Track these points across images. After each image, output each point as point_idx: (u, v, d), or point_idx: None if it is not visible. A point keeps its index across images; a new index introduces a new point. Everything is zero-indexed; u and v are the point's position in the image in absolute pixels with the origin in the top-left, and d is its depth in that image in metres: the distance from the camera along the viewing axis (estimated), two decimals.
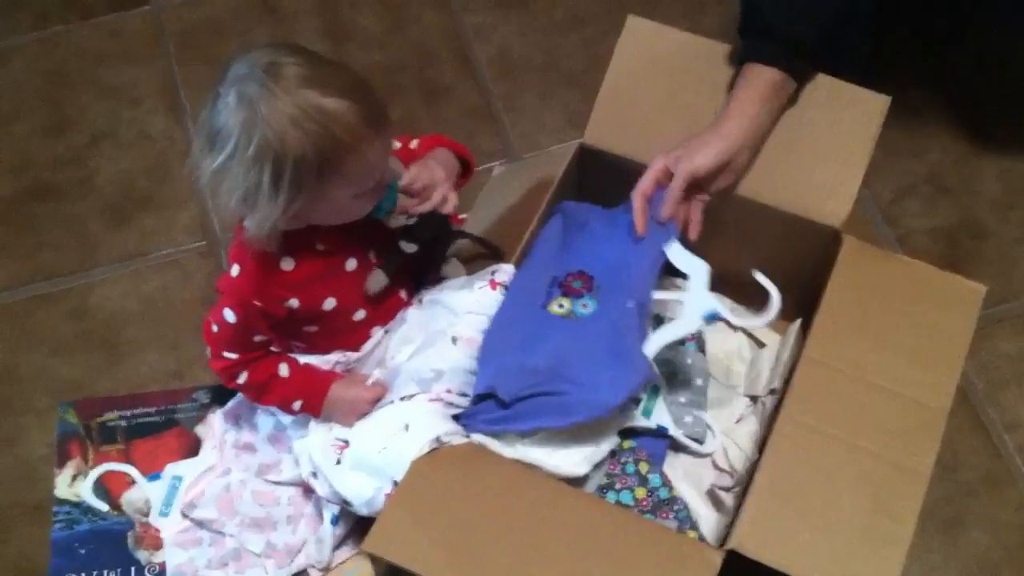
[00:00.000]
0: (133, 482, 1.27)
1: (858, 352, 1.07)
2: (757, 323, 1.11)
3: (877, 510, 0.96)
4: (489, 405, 1.05)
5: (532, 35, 1.66)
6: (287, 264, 1.07)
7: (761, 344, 1.29)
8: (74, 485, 1.28)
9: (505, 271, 1.15)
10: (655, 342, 1.09)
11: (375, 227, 1.11)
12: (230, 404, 1.27)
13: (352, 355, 1.18)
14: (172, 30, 1.66)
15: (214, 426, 1.28)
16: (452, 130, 1.56)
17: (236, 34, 1.65)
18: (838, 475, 0.99)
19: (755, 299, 1.31)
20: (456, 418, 1.07)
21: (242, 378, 1.12)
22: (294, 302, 1.08)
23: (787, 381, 1.16)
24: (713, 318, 1.09)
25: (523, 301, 1.13)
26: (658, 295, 1.13)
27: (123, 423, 1.32)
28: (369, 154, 0.97)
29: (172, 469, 1.26)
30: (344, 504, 1.13)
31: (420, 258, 1.17)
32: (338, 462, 1.11)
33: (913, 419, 1.02)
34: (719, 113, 1.12)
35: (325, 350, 1.18)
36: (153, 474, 1.27)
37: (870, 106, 1.18)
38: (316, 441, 1.14)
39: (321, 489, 1.14)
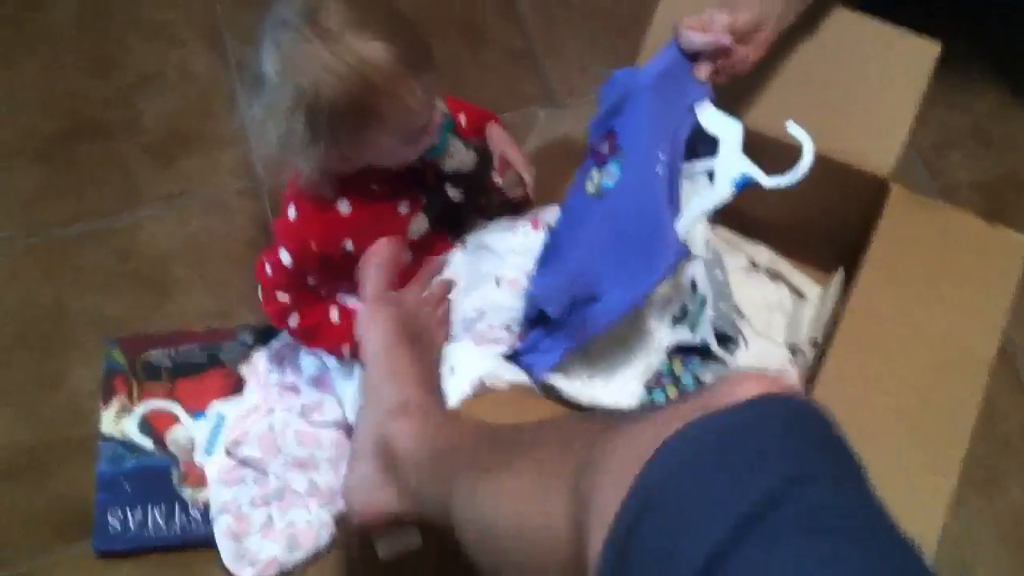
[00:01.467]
0: (178, 420, 1.29)
1: (903, 302, 1.07)
2: (791, 179, 1.02)
3: (920, 461, 0.97)
4: (538, 335, 1.04)
5: None
6: (343, 207, 1.07)
7: (802, 296, 1.29)
8: (119, 421, 1.30)
9: (549, 211, 1.15)
10: (688, 216, 1.03)
11: (426, 171, 1.12)
12: (275, 345, 1.29)
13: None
14: None
15: (258, 366, 1.29)
16: (493, 74, 1.56)
17: None
18: (881, 425, 0.99)
19: (804, 254, 1.31)
20: (512, 357, 1.07)
21: (293, 320, 1.13)
22: (349, 244, 1.09)
23: (829, 332, 1.16)
24: (745, 183, 1.01)
25: (572, 187, 1.09)
26: (686, 165, 1.06)
27: (168, 361, 1.34)
28: (407, 98, 0.97)
29: (217, 408, 1.28)
30: None
31: (463, 205, 1.17)
32: None
33: (957, 369, 1.02)
34: None
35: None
36: (198, 412, 1.29)
37: (919, 53, 1.17)
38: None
39: None
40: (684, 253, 1.02)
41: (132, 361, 1.34)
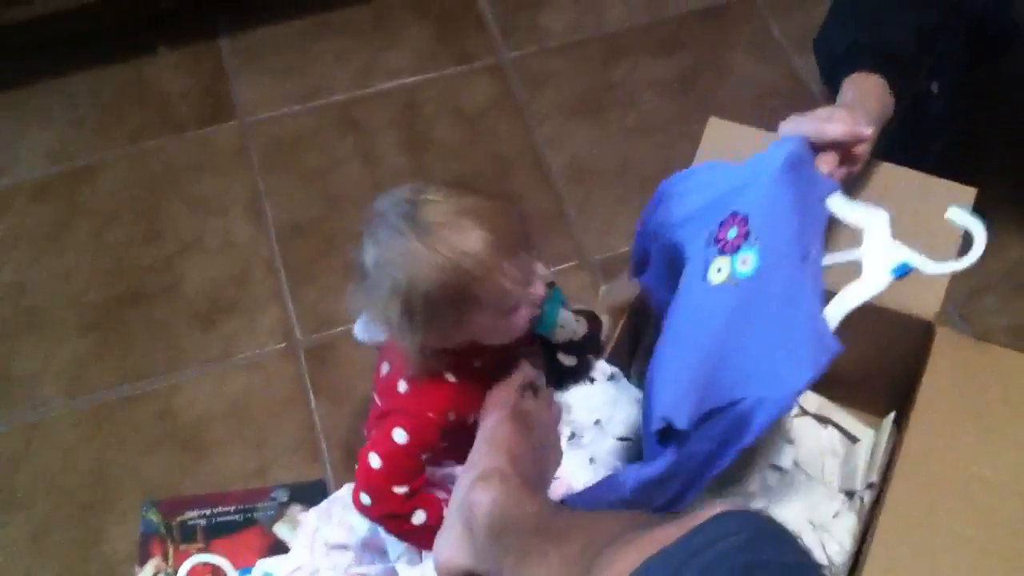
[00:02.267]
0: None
1: (958, 442, 1.04)
2: (963, 264, 0.95)
3: None
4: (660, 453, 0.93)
5: (604, 142, 1.71)
6: (450, 377, 1.08)
7: (854, 439, 1.27)
8: None
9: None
10: (837, 308, 0.94)
11: (526, 344, 1.13)
12: (323, 503, 1.27)
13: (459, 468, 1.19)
14: (257, 144, 1.73)
15: (306, 524, 1.28)
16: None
17: (318, 147, 1.72)
18: (945, 569, 0.96)
19: (853, 400, 1.30)
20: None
21: (418, 518, 1.09)
22: (452, 415, 1.08)
23: (884, 475, 1.14)
24: (905, 271, 0.95)
25: (685, 281, 1.00)
26: (829, 258, 0.96)
27: (203, 522, 1.34)
28: (501, 280, 0.97)
29: (263, 565, 1.26)
30: None
31: (576, 370, 1.20)
32: None
33: (1020, 510, 0.99)
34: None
35: (443, 459, 1.17)
36: (241, 569, 1.28)
37: (956, 197, 1.18)
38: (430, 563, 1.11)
39: None
40: (838, 350, 0.91)
41: (168, 522, 1.34)
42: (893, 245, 0.96)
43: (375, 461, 1.07)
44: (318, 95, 1.78)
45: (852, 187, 1.16)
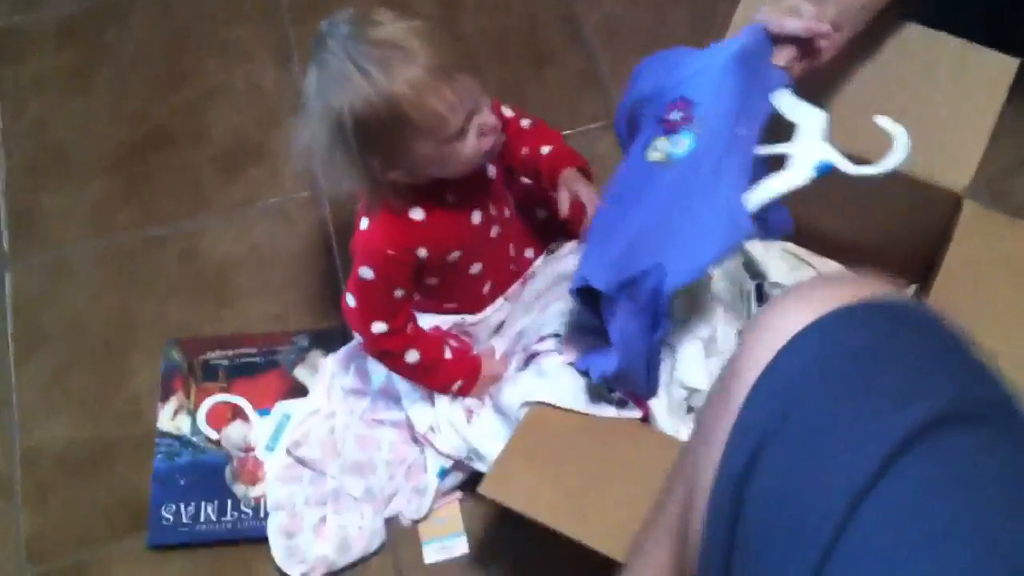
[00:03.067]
0: (234, 419, 1.30)
1: (980, 318, 1.02)
2: (881, 168, 0.97)
3: None
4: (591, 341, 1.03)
5: (640, 3, 1.66)
6: (416, 214, 1.08)
7: None
8: (176, 419, 1.31)
9: None
10: (759, 195, 0.97)
11: (495, 181, 1.14)
12: (342, 350, 1.29)
13: (470, 318, 1.21)
14: None
15: (324, 370, 1.30)
16: (558, 93, 1.57)
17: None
18: None
19: (876, 271, 1.28)
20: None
21: (412, 356, 1.13)
22: (423, 251, 1.09)
23: None
24: (827, 169, 0.97)
25: (629, 156, 1.04)
26: (761, 149, 0.99)
27: (225, 362, 1.35)
28: (435, 104, 0.96)
29: (282, 407, 1.29)
30: (468, 459, 1.18)
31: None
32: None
33: None
34: None
35: (440, 304, 1.19)
36: (261, 410, 1.31)
37: (996, 68, 1.13)
38: (442, 407, 1.19)
39: (444, 444, 1.18)
40: (751, 231, 0.96)
41: (191, 361, 1.35)
42: (821, 144, 0.97)
43: (350, 300, 1.10)
44: None
45: (889, 55, 1.14)
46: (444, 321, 1.21)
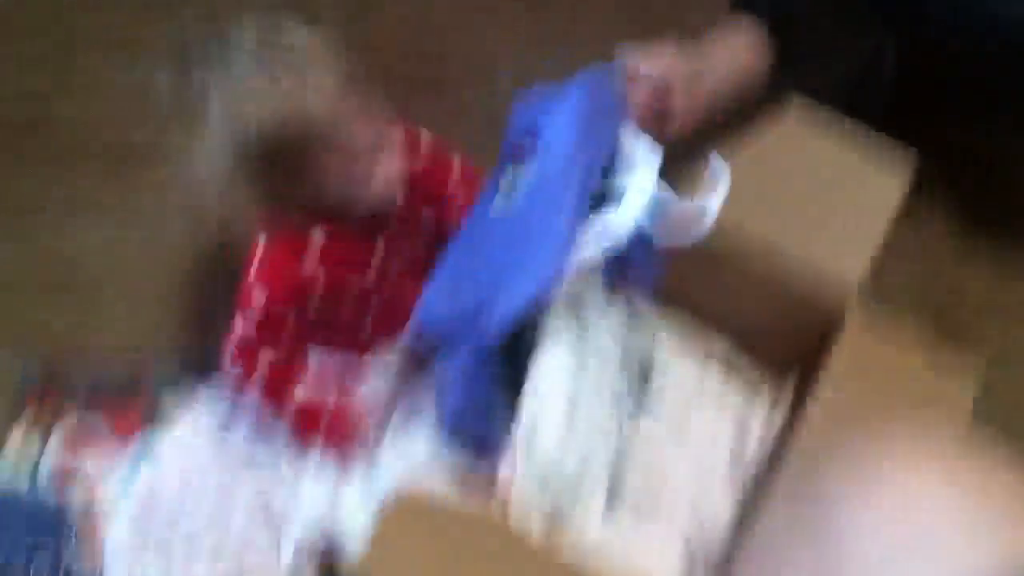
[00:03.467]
0: (92, 443, 1.22)
1: (863, 418, 1.06)
2: (704, 203, 1.02)
3: None
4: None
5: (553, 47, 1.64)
6: (317, 238, 1.05)
7: (754, 396, 1.29)
8: (24, 439, 1.23)
9: None
10: (592, 226, 1.00)
11: (405, 212, 1.11)
12: (215, 381, 1.22)
13: (361, 358, 1.17)
14: None
15: (193, 400, 1.24)
16: (452, 122, 1.54)
17: None
18: None
19: (759, 353, 1.32)
20: None
21: (288, 393, 1.09)
22: (320, 277, 1.06)
23: (780, 438, 1.16)
24: (655, 206, 1.01)
25: (484, 191, 1.07)
26: (599, 183, 1.03)
27: (88, 380, 1.28)
28: (347, 115, 0.96)
29: (143, 436, 1.22)
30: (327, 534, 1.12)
31: None
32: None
33: None
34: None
35: (329, 341, 1.15)
36: (120, 436, 1.23)
37: (895, 164, 1.18)
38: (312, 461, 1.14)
39: (305, 509, 1.14)
40: (577, 265, 0.99)
41: (50, 375, 1.27)
42: (654, 181, 1.00)
43: (238, 322, 1.06)
44: None
45: (789, 142, 1.18)
46: (332, 359, 1.16)
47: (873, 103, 1.49)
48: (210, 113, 0.96)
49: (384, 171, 1.02)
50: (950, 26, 1.47)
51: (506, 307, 0.96)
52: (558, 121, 1.02)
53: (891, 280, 1.49)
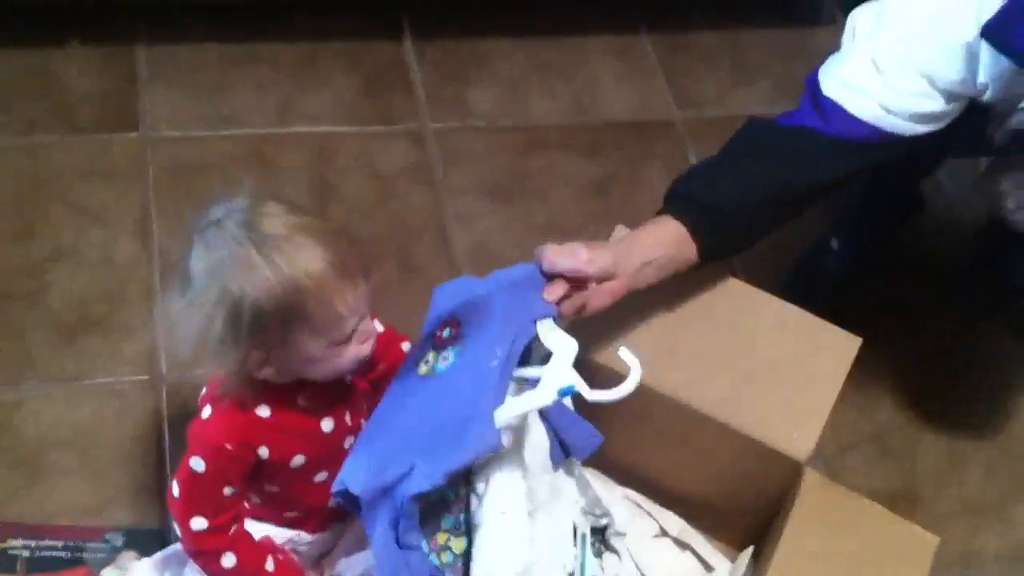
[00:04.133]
0: None
1: None
2: (614, 395, 1.04)
3: None
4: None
5: (511, 230, 1.70)
6: (263, 411, 1.03)
7: (710, 568, 1.27)
8: None
9: None
10: (507, 409, 1.03)
11: (356, 391, 1.11)
12: (158, 555, 1.18)
13: (306, 536, 1.14)
14: (157, 161, 1.65)
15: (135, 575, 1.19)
16: (422, 304, 1.56)
17: (221, 176, 1.64)
18: None
19: (714, 528, 1.32)
20: None
21: (228, 561, 1.04)
22: (264, 451, 1.03)
23: None
24: (568, 392, 1.04)
25: (403, 368, 1.10)
26: (516, 371, 1.07)
27: (25, 552, 1.23)
28: (336, 303, 0.96)
29: None
30: None
31: None
32: None
33: None
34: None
35: (280, 513, 1.13)
36: None
37: (841, 344, 1.23)
38: None
39: None
40: (496, 445, 1.01)
41: None
42: (568, 371, 1.04)
43: (175, 488, 1.03)
44: (230, 123, 1.72)
45: (734, 320, 1.23)
46: (278, 534, 1.13)
47: (820, 288, 1.56)
48: (195, 282, 0.95)
49: (351, 359, 1.03)
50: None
51: (423, 479, 0.97)
52: (481, 311, 1.07)
53: (845, 464, 1.52)
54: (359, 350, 1.02)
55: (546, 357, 1.06)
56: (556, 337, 1.06)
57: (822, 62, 1.19)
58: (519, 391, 1.07)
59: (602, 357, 1.18)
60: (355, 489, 0.97)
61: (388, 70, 1.85)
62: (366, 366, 1.13)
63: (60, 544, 1.24)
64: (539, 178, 1.77)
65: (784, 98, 1.88)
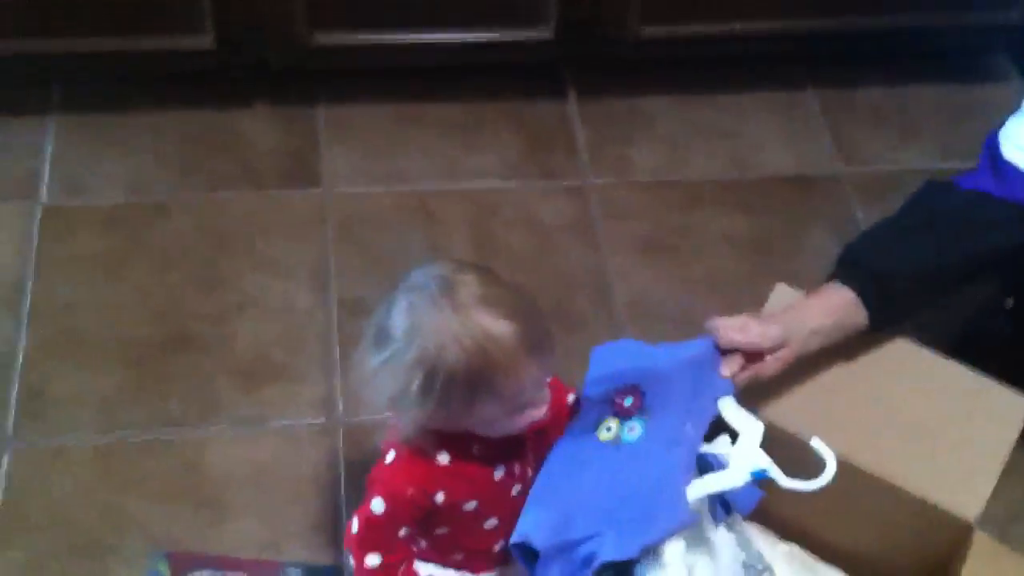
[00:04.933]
0: None
1: None
2: (809, 486, 1.06)
3: None
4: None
5: (671, 286, 1.71)
6: (442, 458, 1.08)
7: None
8: None
9: None
10: (698, 488, 1.05)
11: (528, 441, 1.14)
12: None
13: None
14: (334, 215, 1.74)
15: None
16: (581, 358, 1.58)
17: (393, 231, 1.72)
18: None
19: None
20: None
21: None
22: (441, 496, 1.07)
23: None
24: (761, 476, 1.06)
25: (577, 427, 1.13)
26: (704, 447, 1.10)
27: None
28: (523, 376, 0.99)
29: None
30: None
31: None
32: None
33: None
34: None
35: (447, 555, 1.16)
36: None
37: (1009, 404, 1.21)
38: None
39: None
40: (687, 522, 1.05)
41: None
42: (758, 452, 1.07)
43: (354, 524, 1.08)
44: (401, 180, 1.80)
45: (908, 383, 1.22)
46: (444, 574, 1.17)
47: (992, 350, 1.51)
48: (394, 340, 0.99)
49: (525, 423, 1.06)
50: None
51: (615, 550, 1.01)
52: (664, 387, 1.10)
53: (1018, 535, 1.46)
54: (533, 415, 1.05)
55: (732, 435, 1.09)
56: (741, 416, 1.10)
57: (999, 121, 1.18)
58: (701, 468, 1.09)
59: (768, 415, 1.17)
60: (537, 544, 1.02)
61: (551, 128, 1.91)
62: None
63: (243, 575, 1.30)
64: (699, 234, 1.78)
65: (954, 156, 1.86)
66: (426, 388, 0.98)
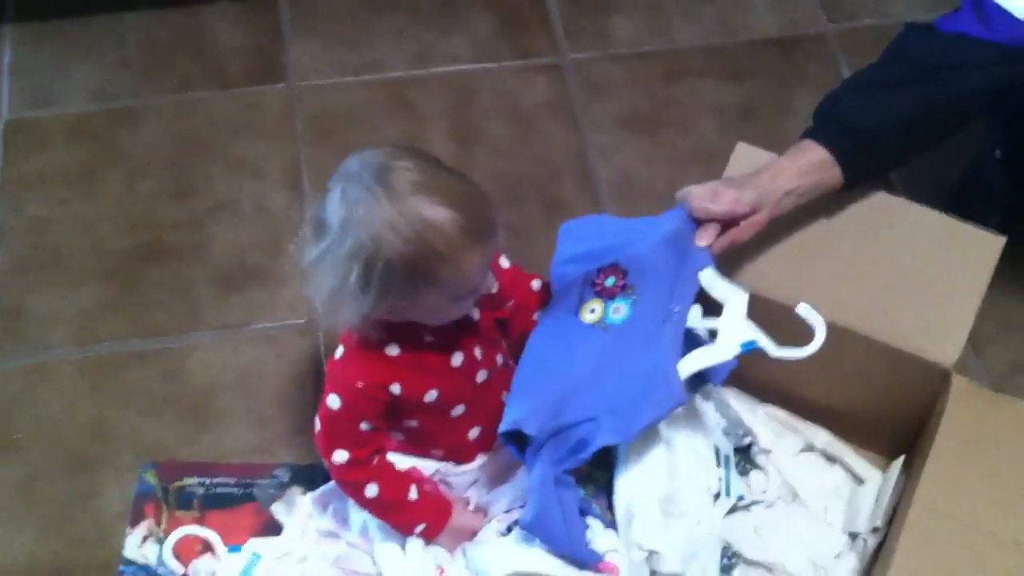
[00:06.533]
0: (203, 552, 1.25)
1: (972, 499, 1.05)
2: (800, 354, 1.04)
3: None
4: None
5: (656, 161, 1.67)
6: (392, 350, 1.06)
7: (860, 480, 1.25)
8: (144, 546, 1.25)
9: None
10: (688, 364, 1.04)
11: (483, 326, 1.12)
12: (321, 490, 1.24)
13: (453, 468, 1.17)
14: (304, 111, 1.69)
15: (301, 509, 1.25)
16: None
17: (366, 124, 1.68)
18: None
19: (862, 440, 1.28)
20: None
21: (372, 491, 1.09)
22: (396, 388, 1.06)
23: (891, 520, 1.15)
24: (751, 347, 1.04)
25: (557, 309, 1.11)
26: (692, 324, 1.08)
27: (201, 490, 1.30)
28: (464, 264, 0.96)
29: (253, 545, 1.23)
30: None
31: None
32: None
33: None
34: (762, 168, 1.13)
35: (426, 448, 1.15)
36: (231, 546, 1.25)
37: (984, 245, 1.18)
38: (413, 559, 1.14)
39: None
40: (683, 401, 1.04)
41: (165, 486, 1.30)
42: (746, 323, 1.05)
43: (316, 423, 1.08)
44: (372, 69, 1.74)
45: (876, 230, 1.21)
46: (426, 467, 1.16)
47: (985, 203, 1.47)
48: (331, 233, 0.97)
49: (462, 311, 1.04)
50: None
51: (610, 434, 1.01)
52: (645, 265, 1.08)
53: (1015, 387, 1.44)
54: (473, 303, 1.05)
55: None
56: (724, 287, 1.08)
57: None
58: (688, 341, 1.08)
59: (746, 279, 1.15)
60: (529, 430, 1.01)
61: (524, 5, 1.84)
62: (494, 303, 1.15)
63: (232, 481, 1.31)
64: (683, 106, 1.73)
65: (943, 5, 1.77)
66: (364, 280, 0.96)
